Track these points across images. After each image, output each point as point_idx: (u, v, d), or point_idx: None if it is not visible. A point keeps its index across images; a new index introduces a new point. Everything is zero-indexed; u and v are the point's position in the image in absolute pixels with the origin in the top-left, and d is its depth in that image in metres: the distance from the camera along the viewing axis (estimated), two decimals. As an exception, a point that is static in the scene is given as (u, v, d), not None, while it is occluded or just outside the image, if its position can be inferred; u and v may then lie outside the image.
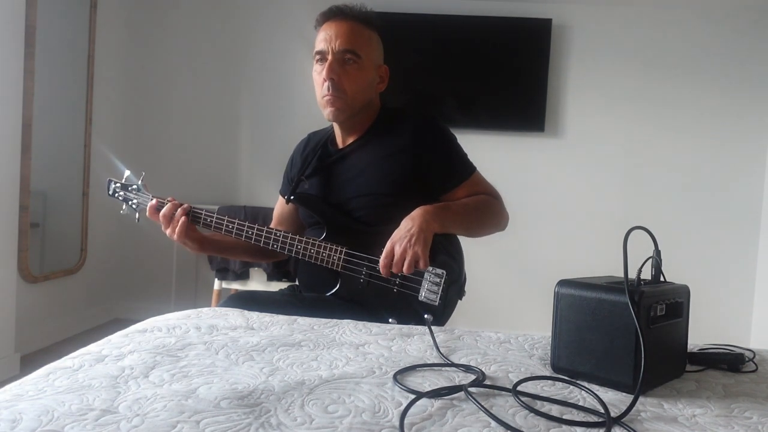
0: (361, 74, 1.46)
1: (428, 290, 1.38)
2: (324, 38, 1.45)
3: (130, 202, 1.59)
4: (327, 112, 1.47)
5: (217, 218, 1.49)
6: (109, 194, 1.62)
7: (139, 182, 1.58)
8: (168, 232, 1.48)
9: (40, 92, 2.89)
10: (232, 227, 1.48)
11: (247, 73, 3.75)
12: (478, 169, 1.54)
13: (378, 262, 1.36)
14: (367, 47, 1.48)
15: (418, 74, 3.58)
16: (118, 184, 1.61)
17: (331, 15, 1.48)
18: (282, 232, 1.47)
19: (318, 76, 1.47)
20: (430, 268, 1.38)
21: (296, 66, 3.64)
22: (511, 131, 3.64)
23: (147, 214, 1.51)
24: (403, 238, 1.33)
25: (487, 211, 1.50)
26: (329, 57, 1.44)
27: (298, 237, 1.45)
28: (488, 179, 1.56)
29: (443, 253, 1.42)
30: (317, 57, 1.47)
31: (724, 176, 3.56)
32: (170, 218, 1.47)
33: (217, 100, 3.76)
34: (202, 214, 1.49)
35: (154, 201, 1.50)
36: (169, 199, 1.51)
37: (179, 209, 1.47)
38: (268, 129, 3.73)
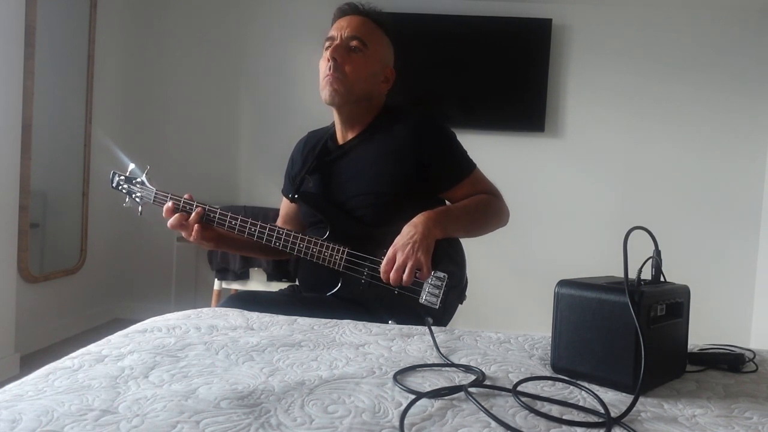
0: (365, 62, 1.47)
1: (429, 293, 1.38)
2: (336, 27, 1.49)
3: (133, 195, 1.58)
4: (325, 93, 1.46)
5: (220, 214, 1.48)
6: (112, 186, 1.61)
7: (144, 176, 1.58)
8: (184, 234, 1.47)
9: (40, 92, 2.89)
10: (235, 224, 1.47)
11: (247, 73, 3.74)
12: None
13: (380, 263, 1.36)
14: (376, 41, 1.50)
15: (418, 74, 3.58)
16: (122, 177, 1.60)
17: (348, 11, 1.51)
18: (285, 230, 1.46)
19: (323, 61, 1.48)
20: (432, 271, 1.37)
21: (296, 66, 3.63)
22: (511, 131, 3.64)
23: (164, 214, 1.48)
24: (405, 245, 1.33)
25: (488, 211, 1.50)
26: (337, 41, 1.46)
27: (300, 235, 1.45)
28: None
29: (445, 257, 1.41)
30: (327, 44, 1.49)
31: (724, 176, 3.56)
32: (185, 224, 1.46)
33: (217, 100, 3.76)
34: (216, 215, 1.48)
35: (170, 203, 1.48)
36: (185, 197, 1.49)
37: (193, 215, 1.46)
38: (268, 129, 3.73)
